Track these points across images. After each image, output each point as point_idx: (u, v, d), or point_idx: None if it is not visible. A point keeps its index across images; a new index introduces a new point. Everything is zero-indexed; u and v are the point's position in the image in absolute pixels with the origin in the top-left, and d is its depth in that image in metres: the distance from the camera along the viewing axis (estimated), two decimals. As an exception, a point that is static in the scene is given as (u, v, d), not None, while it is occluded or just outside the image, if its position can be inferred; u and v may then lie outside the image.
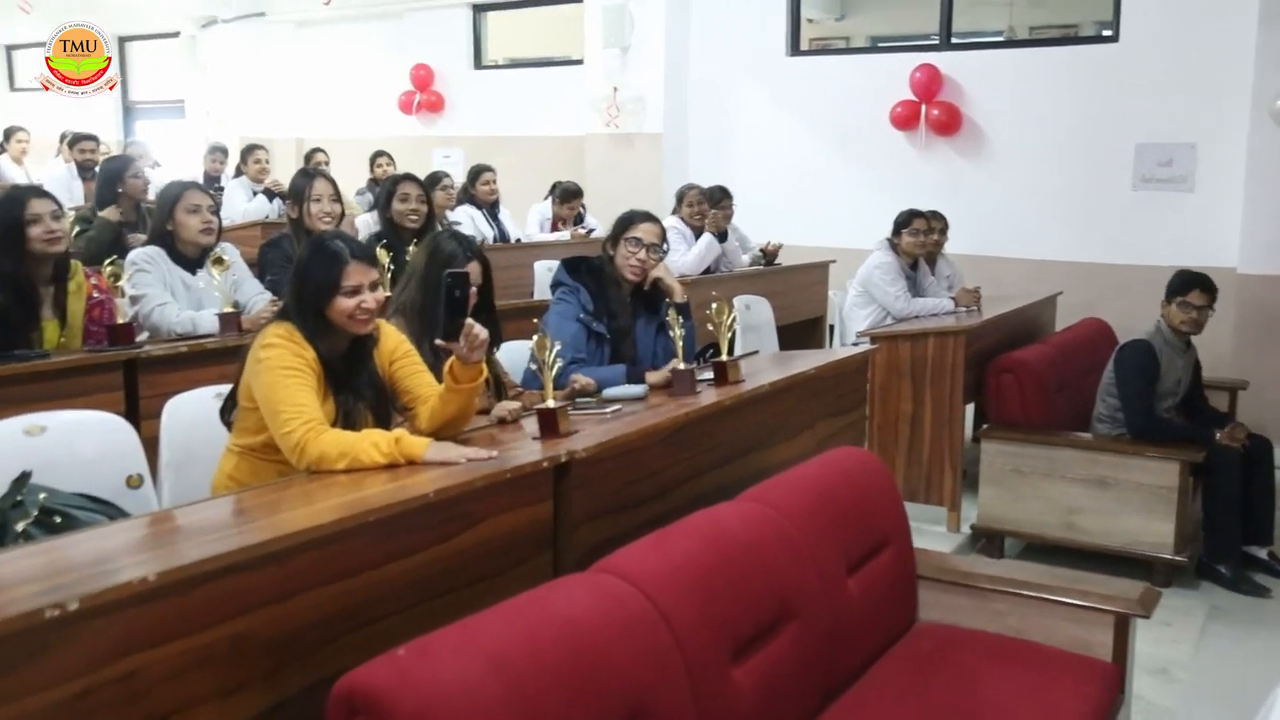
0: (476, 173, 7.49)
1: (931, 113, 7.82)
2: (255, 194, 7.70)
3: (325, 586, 1.94)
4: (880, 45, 8.75)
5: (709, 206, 6.64)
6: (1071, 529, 4.76)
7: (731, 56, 8.72)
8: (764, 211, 7.78)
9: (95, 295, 3.67)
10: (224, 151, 9.01)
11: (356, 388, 2.74)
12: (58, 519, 2.40)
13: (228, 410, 2.80)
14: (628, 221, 3.74)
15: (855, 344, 5.74)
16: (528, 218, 8.01)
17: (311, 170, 4.42)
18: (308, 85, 11.18)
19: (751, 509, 2.65)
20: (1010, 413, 5.00)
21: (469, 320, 2.62)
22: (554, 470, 2.47)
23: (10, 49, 13.86)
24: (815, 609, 2.59)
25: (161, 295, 3.84)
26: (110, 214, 5.12)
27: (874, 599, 2.88)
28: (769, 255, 7.19)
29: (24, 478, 2.54)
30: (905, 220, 5.92)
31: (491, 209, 7.55)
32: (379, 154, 8.71)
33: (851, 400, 4.09)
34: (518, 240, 7.64)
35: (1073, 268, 7.32)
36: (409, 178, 4.74)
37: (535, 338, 2.78)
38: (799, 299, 7.15)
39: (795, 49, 8.59)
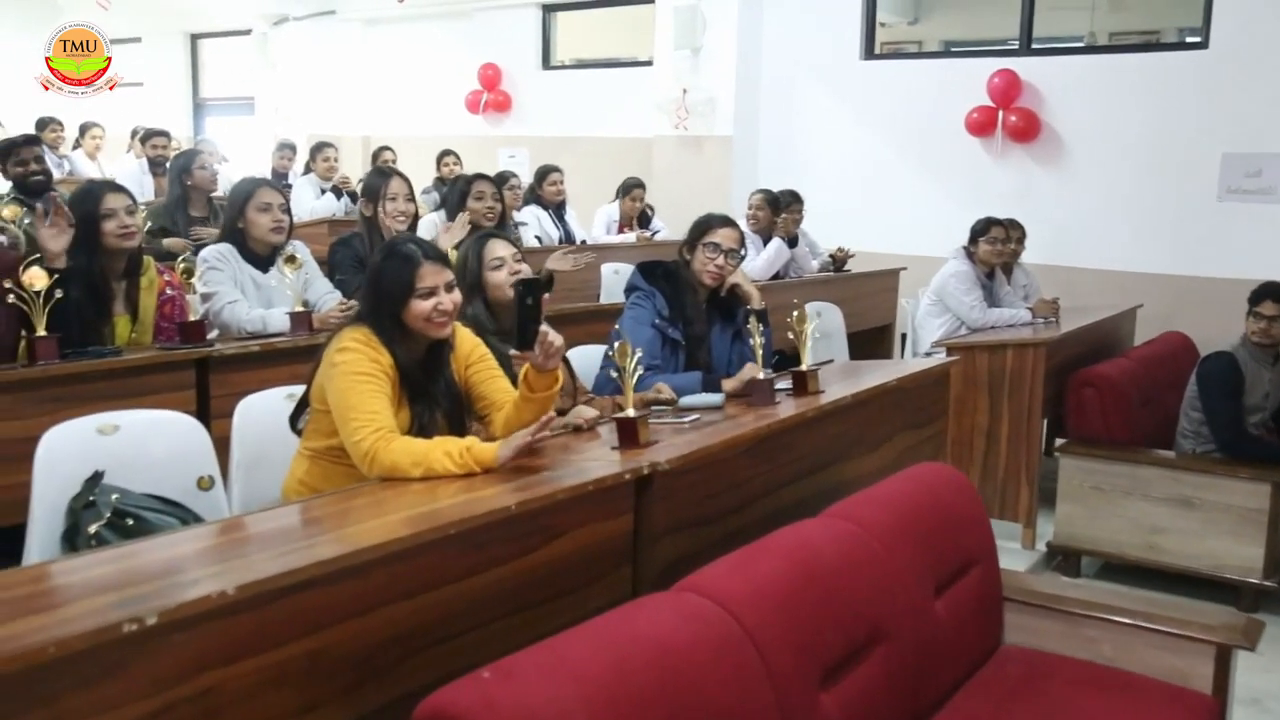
0: (544, 173, 7.43)
1: (1009, 119, 7.64)
2: (323, 191, 7.70)
3: (404, 601, 1.87)
4: (957, 50, 8.56)
5: (773, 212, 6.53)
6: (1153, 549, 4.60)
7: (803, 59, 8.59)
8: (833, 217, 7.64)
9: (167, 291, 3.66)
10: (292, 148, 9.04)
11: (433, 395, 2.67)
12: (130, 521, 2.37)
13: (298, 416, 2.74)
14: (705, 226, 3.66)
15: (928, 354, 5.61)
16: (594, 219, 7.94)
17: (387, 169, 4.37)
18: (376, 83, 11.21)
19: (838, 526, 2.55)
20: (1091, 428, 4.84)
21: (544, 327, 2.55)
22: (635, 482, 2.38)
23: (85, 45, 14.06)
24: (904, 632, 2.48)
25: (232, 293, 3.81)
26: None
27: (961, 621, 2.77)
28: (839, 261, 7.06)
29: (96, 477, 2.52)
30: (983, 228, 5.77)
31: (558, 210, 7.49)
32: (446, 153, 8.69)
33: (932, 413, 3.97)
34: (583, 242, 7.58)
35: (1152, 279, 7.10)
36: (484, 177, 4.69)
37: (616, 344, 2.70)
38: (868, 306, 7.02)
39: (869, 53, 8.45)
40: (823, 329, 5.68)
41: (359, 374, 2.52)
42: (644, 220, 7.93)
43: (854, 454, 3.38)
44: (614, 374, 2.70)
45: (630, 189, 7.68)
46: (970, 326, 5.46)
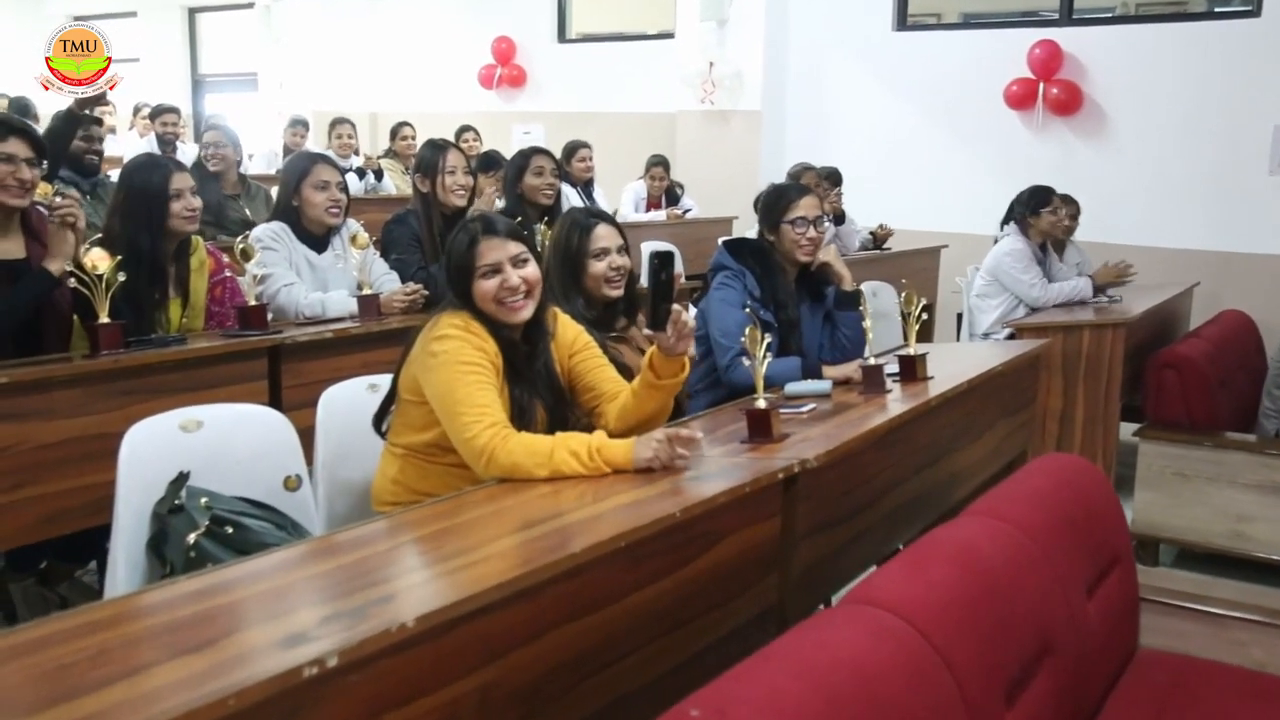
0: (572, 149, 7.18)
1: (1050, 91, 7.42)
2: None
3: (570, 624, 1.66)
4: (995, 20, 8.31)
5: (832, 185, 6.32)
6: (1239, 538, 4.40)
7: (834, 31, 8.34)
8: (866, 194, 7.41)
9: (218, 275, 3.41)
10: (305, 125, 8.74)
11: (531, 380, 2.45)
12: (229, 530, 2.15)
13: (383, 415, 2.51)
14: (783, 199, 3.42)
15: (985, 335, 5.42)
16: (622, 197, 7.70)
17: (441, 142, 4.13)
18: (385, 58, 10.88)
19: (993, 527, 2.34)
20: (1172, 412, 4.64)
21: (676, 306, 2.32)
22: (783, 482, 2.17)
23: (78, 19, 13.69)
24: (1067, 641, 2.28)
25: (288, 275, 3.58)
26: None
27: (1109, 626, 2.57)
28: (879, 240, 6.86)
29: (182, 479, 2.29)
30: (1044, 198, 5.52)
31: (586, 187, 7.23)
32: (465, 129, 8.42)
33: (1025, 398, 3.78)
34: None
35: (1203, 256, 6.90)
36: (542, 151, 4.45)
37: (747, 330, 2.48)
38: (909, 285, 6.79)
39: (902, 23, 8.21)
40: (880, 309, 5.47)
41: (464, 364, 2.29)
42: (673, 197, 7.70)
43: (962, 444, 3.18)
44: (745, 361, 2.48)
45: (650, 167, 7.45)
46: (1032, 306, 5.24)
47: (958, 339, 5.73)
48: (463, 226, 2.43)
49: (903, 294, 3.17)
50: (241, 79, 12.12)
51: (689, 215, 7.42)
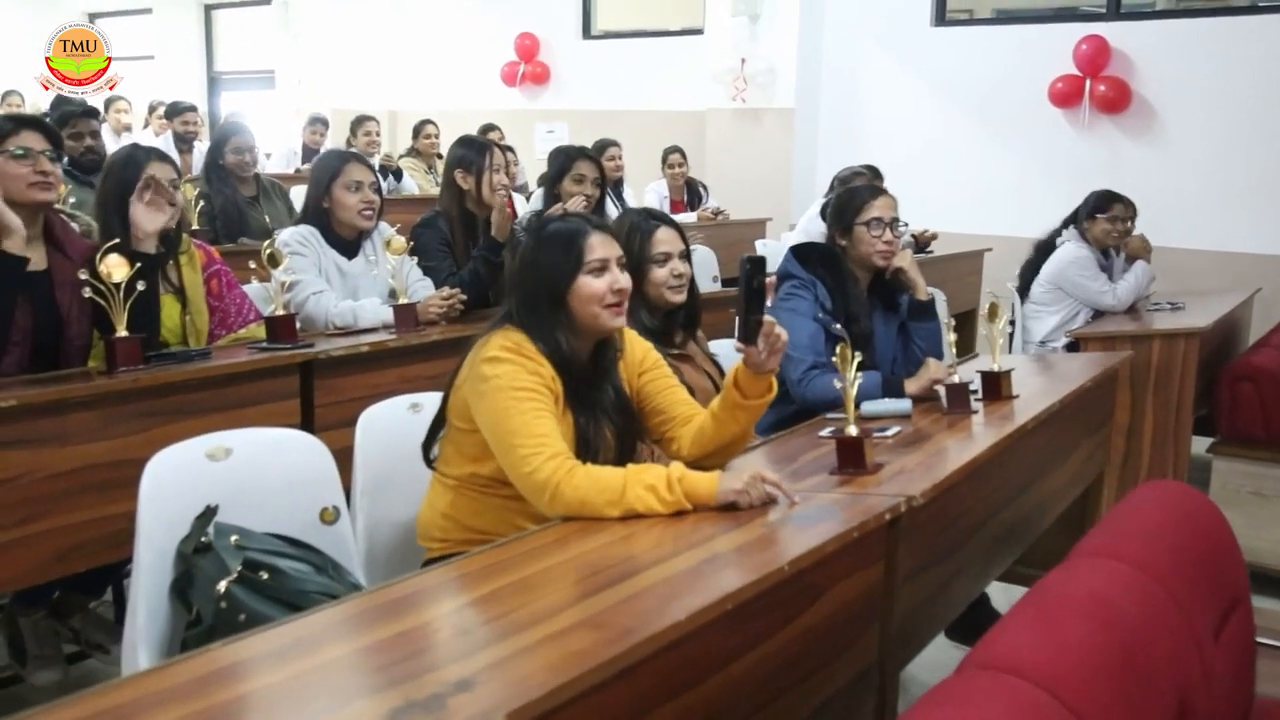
0: (601, 148, 6.91)
1: (1097, 88, 7.14)
2: (368, 169, 7.19)
3: (671, 702, 1.41)
4: (1038, 15, 8.03)
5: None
6: (1322, 562, 4.14)
7: (870, 26, 8.07)
8: (902, 195, 7.05)
9: (210, 267, 3.15)
10: (324, 123, 8.52)
11: (600, 405, 2.20)
12: (264, 575, 1.90)
13: (431, 441, 2.26)
14: (857, 199, 3.19)
15: (1042, 343, 5.16)
16: (645, 197, 7.45)
17: (482, 140, 3.88)
18: (405, 55, 10.63)
19: (1117, 571, 2.08)
20: (1249, 427, 4.38)
21: (768, 318, 2.07)
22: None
23: (93, 17, 13.51)
24: (1200, 698, 2.03)
25: (317, 282, 3.34)
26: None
27: (1235, 675, 2.32)
28: (922, 243, 6.59)
29: (209, 514, 2.06)
30: (1102, 203, 5.26)
31: (615, 187, 6.99)
32: (489, 128, 8.17)
33: (1104, 415, 3.54)
34: (717, 211, 7.11)
35: (1258, 260, 6.61)
36: (586, 154, 4.19)
37: (839, 347, 2.23)
38: (952, 291, 6.54)
39: (941, 19, 7.94)
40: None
41: (518, 390, 2.04)
42: (694, 193, 7.45)
43: (1051, 468, 2.93)
44: (821, 375, 2.23)
45: (666, 156, 7.20)
46: (1112, 311, 4.97)
47: (1010, 348, 5.46)
48: (552, 223, 2.19)
49: (987, 304, 2.92)
50: (258, 76, 11.90)
51: (720, 217, 7.16)
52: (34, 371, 2.53)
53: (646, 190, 7.30)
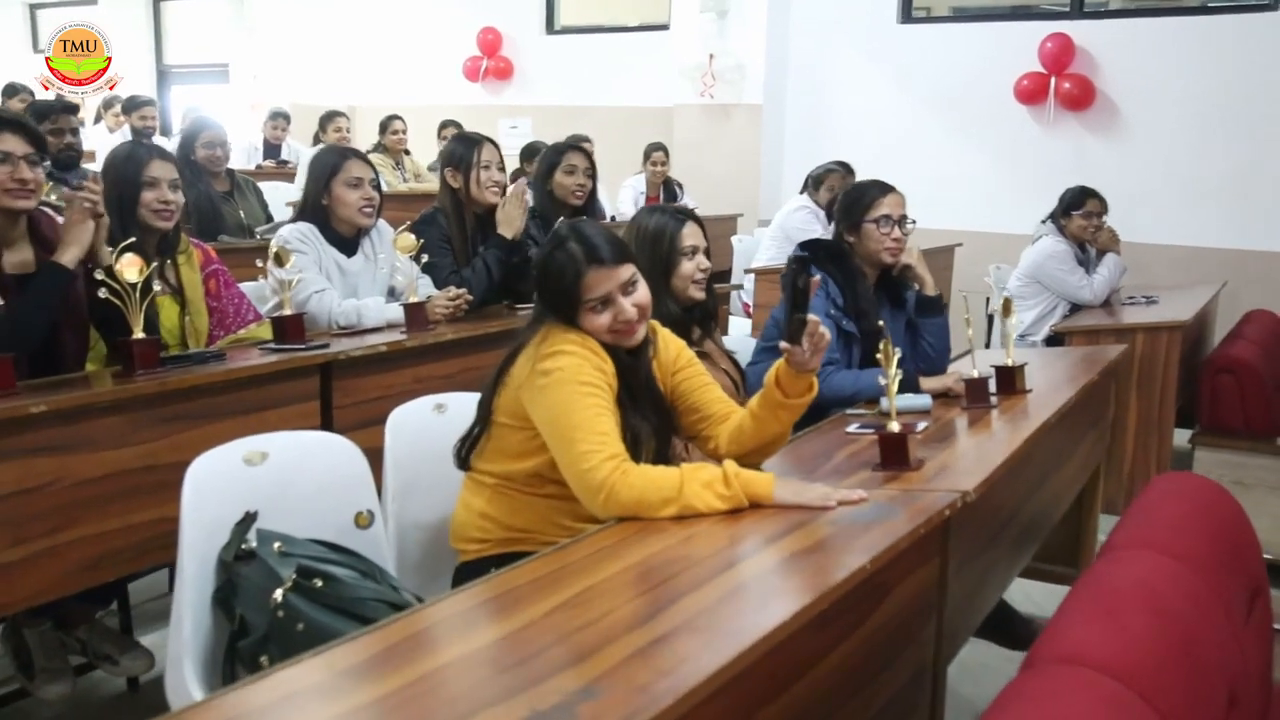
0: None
1: (1061, 86, 7.24)
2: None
3: (769, 705, 1.40)
4: (1003, 13, 8.11)
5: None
6: (1302, 549, 4.23)
7: (836, 23, 8.09)
8: (870, 190, 7.20)
9: (208, 266, 3.09)
10: (286, 118, 8.38)
11: (640, 403, 2.18)
12: (317, 582, 1.86)
13: (472, 443, 2.22)
14: (865, 197, 3.19)
15: (1022, 337, 5.22)
16: (620, 194, 7.44)
17: (474, 136, 3.83)
18: (365, 49, 10.48)
19: (1160, 563, 2.10)
20: (1229, 418, 4.46)
21: (812, 316, 2.07)
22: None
23: (34, 8, 13.19)
24: (1245, 687, 2.06)
25: (319, 280, 3.28)
26: None
27: (1263, 663, 2.35)
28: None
29: (249, 520, 2.01)
30: (1077, 200, 5.32)
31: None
32: (447, 124, 8.08)
33: (1102, 408, 3.57)
34: (612, 218, 7.07)
35: (1220, 255, 6.74)
36: (577, 148, 4.16)
37: (882, 344, 2.23)
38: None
39: (907, 16, 7.99)
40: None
41: (582, 384, 2.02)
42: (670, 192, 7.44)
43: (1063, 461, 2.96)
44: (881, 379, 2.23)
45: (650, 153, 7.19)
46: (1087, 305, 5.04)
47: (988, 343, 5.51)
48: (560, 246, 2.11)
49: (1000, 299, 2.94)
50: (211, 70, 11.68)
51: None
52: (30, 376, 2.44)
53: (623, 186, 7.28)
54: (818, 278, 2.14)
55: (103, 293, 2.39)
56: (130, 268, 2.43)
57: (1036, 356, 3.69)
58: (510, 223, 3.64)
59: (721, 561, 1.66)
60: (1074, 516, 3.46)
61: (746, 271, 5.94)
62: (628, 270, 2.12)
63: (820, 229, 6.07)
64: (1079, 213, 5.28)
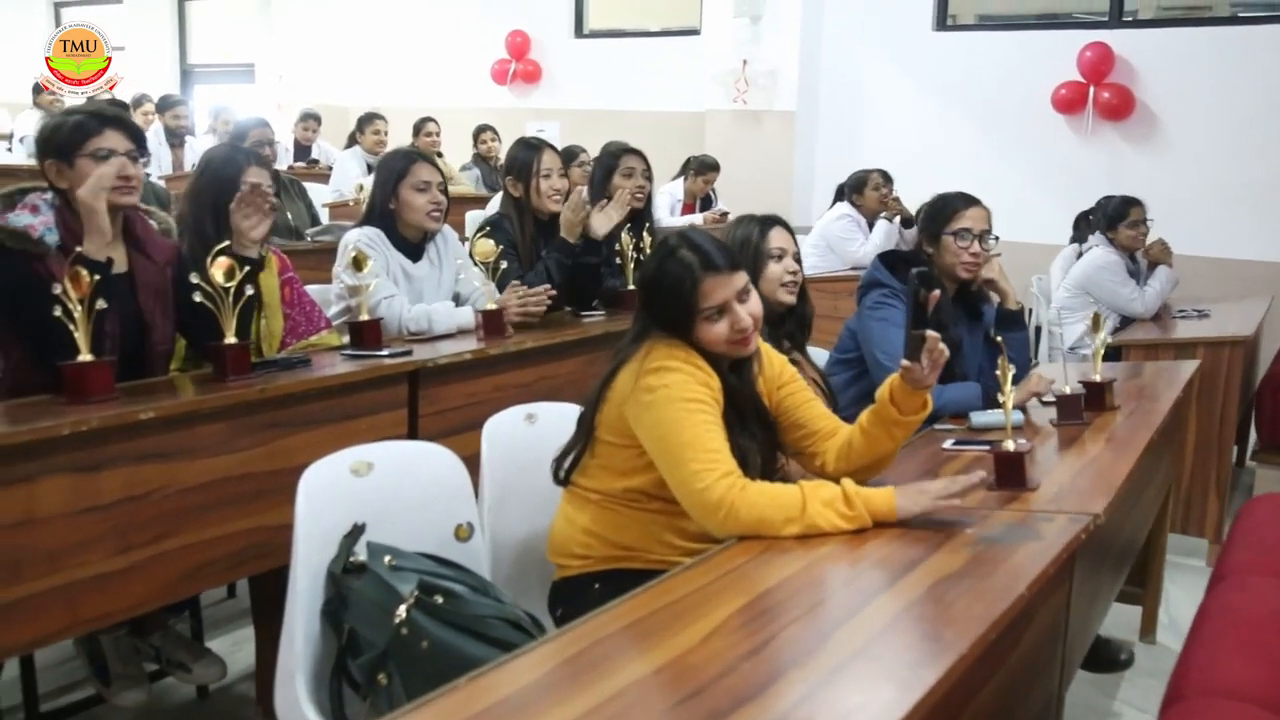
0: (572, 155, 6.81)
1: (1101, 95, 7.19)
2: (370, 168, 7.04)
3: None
4: (1041, 21, 8.06)
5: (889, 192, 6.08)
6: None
7: (871, 30, 8.06)
8: (903, 200, 7.15)
9: (284, 273, 3.05)
10: (317, 119, 8.35)
11: (748, 424, 2.13)
12: (438, 598, 1.81)
13: (573, 461, 2.17)
14: (947, 208, 3.13)
15: (1071, 349, 5.17)
16: (658, 199, 7.38)
17: (534, 141, 3.79)
18: (392, 50, 10.43)
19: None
20: (1289, 435, 4.42)
21: (932, 333, 2.02)
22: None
23: (59, 6, 13.17)
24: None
25: (388, 285, 3.24)
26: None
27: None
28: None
29: (356, 532, 1.96)
30: (1121, 210, 5.28)
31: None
32: (483, 128, 8.06)
33: (1178, 425, 3.52)
34: (724, 214, 7.04)
35: (1262, 267, 6.68)
36: (633, 150, 4.12)
37: (1000, 360, 2.19)
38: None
39: (942, 23, 7.95)
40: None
41: (690, 401, 1.98)
42: (706, 200, 7.40)
43: (1150, 480, 2.91)
44: (1001, 397, 2.18)
45: (704, 169, 7.14)
46: (1140, 318, 4.99)
47: (1036, 354, 5.46)
48: (671, 255, 2.06)
49: (1049, 310, 2.90)
50: (235, 70, 11.65)
51: (728, 218, 7.11)
52: (120, 380, 2.40)
53: (659, 193, 7.22)
54: (937, 292, 2.09)
55: (197, 296, 2.35)
56: (225, 271, 2.39)
57: (1111, 372, 3.64)
58: (571, 228, 3.60)
59: (869, 585, 1.62)
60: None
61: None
62: (742, 278, 2.08)
63: (862, 237, 6.05)
64: (1125, 223, 5.25)
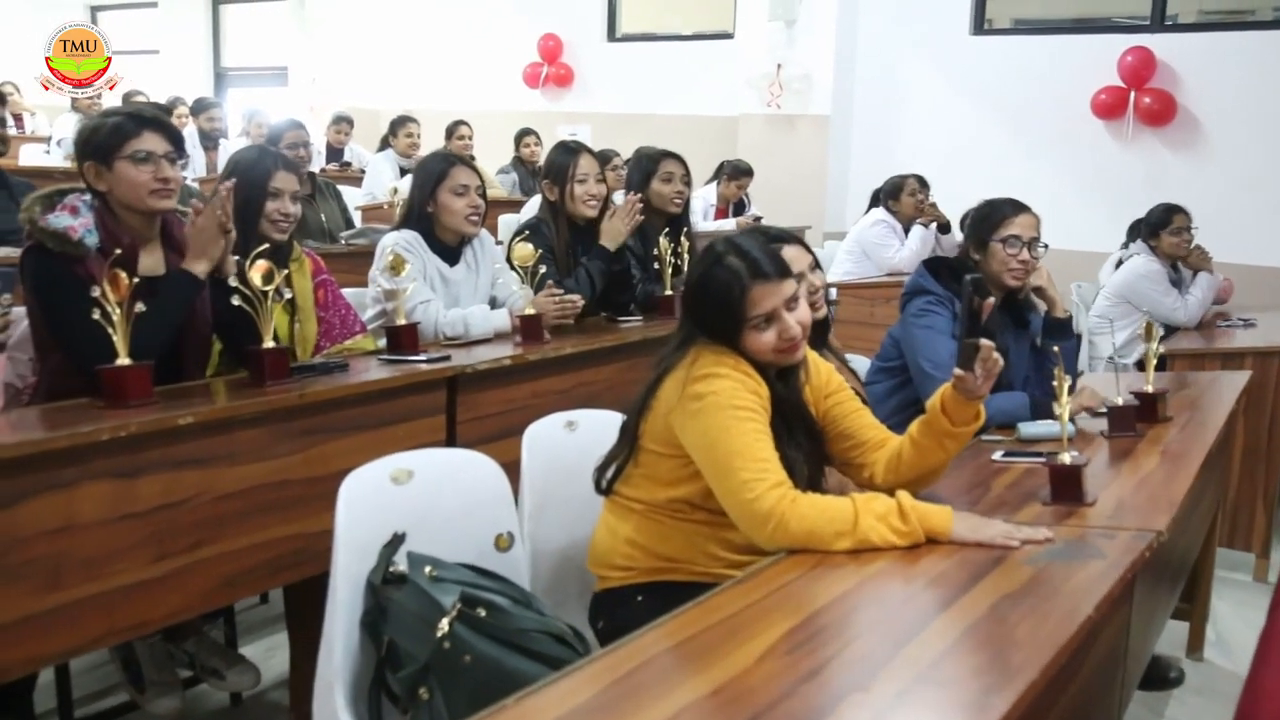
0: (605, 158, 6.76)
1: (1142, 100, 7.10)
2: (404, 171, 7.02)
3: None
4: (1081, 25, 7.98)
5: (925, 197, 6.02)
6: None
7: (907, 33, 8.00)
8: (939, 204, 7.08)
9: (318, 276, 3.02)
10: (350, 122, 8.36)
11: (795, 435, 2.08)
12: (480, 611, 1.77)
13: (618, 471, 2.11)
14: (997, 215, 3.07)
15: (1110, 358, 5.09)
16: (692, 203, 7.32)
17: (573, 145, 3.75)
18: (424, 54, 10.44)
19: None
20: (1340, 449, 4.31)
21: (986, 341, 1.97)
22: (1130, 562, 1.82)
23: (95, 10, 13.26)
24: None
25: (424, 290, 3.21)
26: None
27: None
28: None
29: (396, 542, 1.92)
30: (1164, 218, 5.20)
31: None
32: (526, 132, 8.02)
33: (1228, 437, 3.44)
34: (757, 218, 7.00)
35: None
36: (673, 155, 4.08)
37: (1055, 370, 2.13)
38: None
39: (980, 27, 7.88)
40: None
41: (739, 409, 1.93)
42: (739, 205, 7.35)
43: (1204, 493, 2.84)
44: (1056, 409, 2.12)
45: (738, 174, 7.09)
46: (1183, 327, 4.91)
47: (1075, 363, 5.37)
48: (718, 262, 2.01)
49: (1142, 324, 2.83)
50: (269, 73, 11.70)
51: (761, 223, 7.06)
52: (157, 384, 2.38)
53: (693, 196, 7.18)
54: (992, 300, 2.03)
55: (236, 300, 2.31)
56: (258, 273, 2.36)
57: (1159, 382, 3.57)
58: (615, 236, 3.56)
59: (927, 604, 1.56)
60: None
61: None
62: (790, 285, 2.03)
63: (899, 243, 5.99)
64: (1168, 230, 5.16)
